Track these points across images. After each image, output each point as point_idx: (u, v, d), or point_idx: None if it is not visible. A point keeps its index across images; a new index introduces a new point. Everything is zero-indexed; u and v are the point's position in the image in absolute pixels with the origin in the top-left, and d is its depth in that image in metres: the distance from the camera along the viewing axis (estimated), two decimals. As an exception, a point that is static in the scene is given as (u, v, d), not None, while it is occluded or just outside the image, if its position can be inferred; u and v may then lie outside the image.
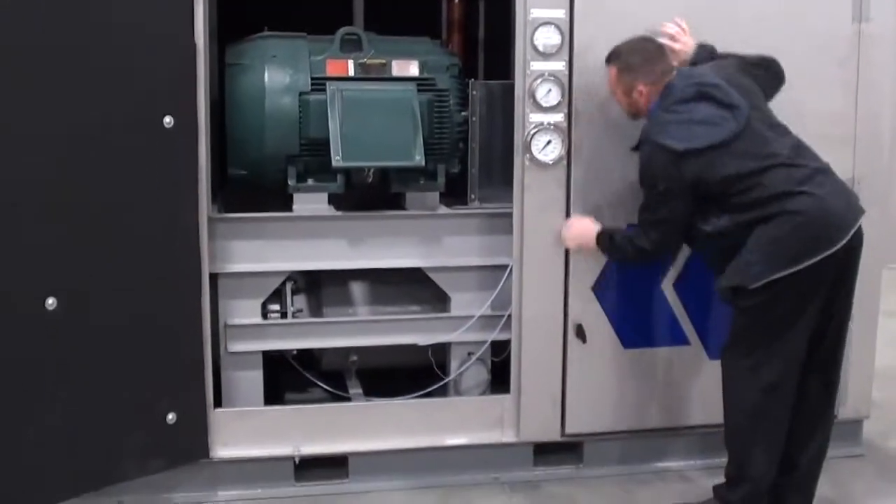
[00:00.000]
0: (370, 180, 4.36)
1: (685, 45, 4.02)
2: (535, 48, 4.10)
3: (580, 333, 4.24)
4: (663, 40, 3.97)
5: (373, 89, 4.32)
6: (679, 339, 4.43)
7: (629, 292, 4.36)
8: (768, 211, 3.61)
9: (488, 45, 5.38)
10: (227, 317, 4.29)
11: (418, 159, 4.23)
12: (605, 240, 4.01)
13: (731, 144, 3.66)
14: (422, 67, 4.45)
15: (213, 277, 4.19)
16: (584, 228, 4.09)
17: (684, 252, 4.23)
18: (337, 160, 4.17)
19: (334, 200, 4.43)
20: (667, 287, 4.37)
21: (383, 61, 4.42)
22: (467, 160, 4.57)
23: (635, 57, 3.86)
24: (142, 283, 3.87)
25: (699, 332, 4.43)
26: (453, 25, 5.25)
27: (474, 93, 4.56)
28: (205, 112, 3.96)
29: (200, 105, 3.93)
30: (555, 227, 4.19)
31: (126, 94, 3.74)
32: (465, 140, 4.56)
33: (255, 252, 4.26)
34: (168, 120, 3.84)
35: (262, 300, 4.34)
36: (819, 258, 3.58)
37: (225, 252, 4.22)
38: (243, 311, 4.31)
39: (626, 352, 4.38)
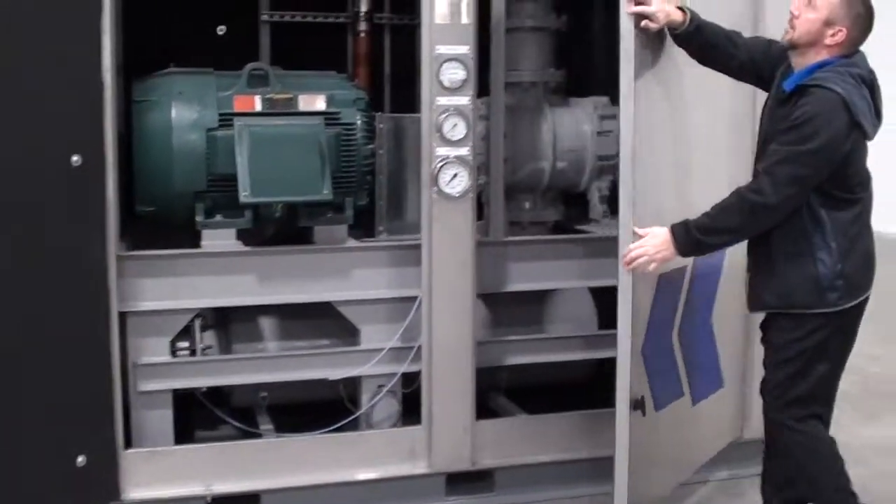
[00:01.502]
0: (278, 215, 4.38)
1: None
2: (440, 83, 4.17)
3: (639, 406, 3.89)
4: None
5: (280, 124, 4.34)
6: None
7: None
8: (863, 223, 3.65)
9: (395, 79, 5.44)
10: (137, 355, 4.24)
11: (326, 193, 4.26)
12: (684, 229, 3.64)
13: (866, 146, 3.62)
14: (329, 102, 4.48)
15: (122, 316, 4.15)
16: (654, 235, 3.71)
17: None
18: (245, 196, 4.18)
19: (243, 236, 4.42)
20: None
21: (290, 96, 4.44)
22: (375, 193, 4.62)
23: (865, 11, 3.62)
24: (49, 323, 3.83)
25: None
26: (359, 59, 5.29)
27: (381, 126, 4.62)
28: (113, 150, 3.94)
29: (108, 143, 3.91)
30: (463, 258, 4.25)
31: (33, 132, 3.73)
32: (372, 173, 4.60)
33: (164, 289, 4.23)
34: (76, 158, 3.82)
35: (171, 338, 4.31)
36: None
37: (133, 290, 4.18)
38: (152, 350, 4.27)
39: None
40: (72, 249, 3.87)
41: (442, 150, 4.20)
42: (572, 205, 5.16)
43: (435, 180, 4.20)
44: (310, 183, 4.26)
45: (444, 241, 4.25)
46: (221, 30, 5.27)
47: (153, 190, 4.35)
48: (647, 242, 3.68)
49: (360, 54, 5.27)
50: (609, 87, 5.55)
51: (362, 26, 5.26)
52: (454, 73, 4.18)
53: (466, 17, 4.17)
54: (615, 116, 4.84)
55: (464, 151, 4.22)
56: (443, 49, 4.17)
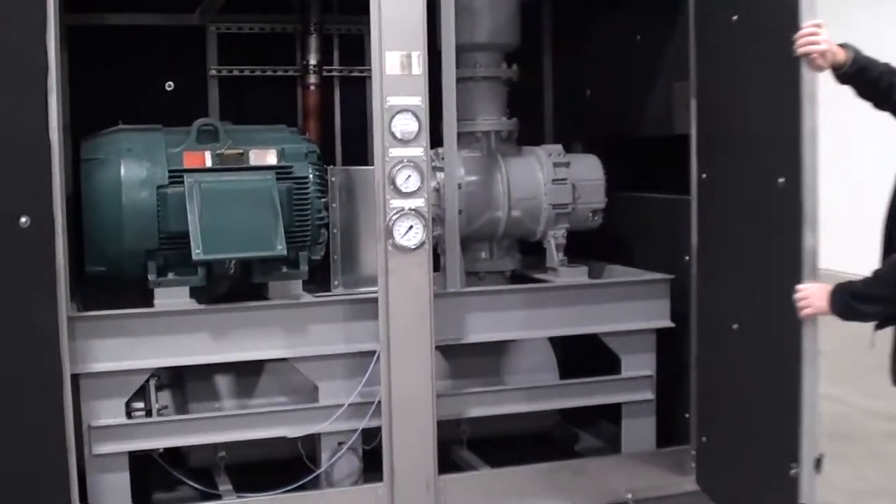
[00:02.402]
0: (232, 272, 4.32)
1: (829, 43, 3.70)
2: (393, 135, 4.14)
3: (819, 464, 3.80)
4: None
5: (231, 180, 4.30)
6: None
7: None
8: None
9: (346, 132, 5.42)
10: (91, 418, 4.15)
11: (280, 248, 4.21)
12: (840, 291, 3.58)
13: None
14: (280, 156, 4.45)
15: (75, 378, 4.06)
16: (816, 288, 3.69)
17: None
18: (197, 253, 4.12)
19: (196, 293, 4.36)
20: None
21: (241, 151, 4.40)
22: (330, 247, 4.57)
23: None
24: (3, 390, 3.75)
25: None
26: (309, 112, 5.29)
27: (333, 179, 4.59)
28: (62, 210, 3.86)
29: (56, 203, 3.82)
30: (420, 310, 4.21)
31: None
32: (327, 226, 4.57)
33: (117, 350, 4.14)
34: (24, 220, 3.73)
35: (125, 399, 4.21)
36: None
37: (85, 351, 4.09)
38: (107, 412, 4.18)
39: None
40: (21, 312, 3.77)
41: (396, 202, 4.16)
42: (529, 253, 5.14)
43: (390, 233, 4.16)
44: (263, 239, 4.21)
45: (401, 294, 4.20)
46: (170, 85, 5.26)
47: (103, 249, 4.29)
48: (809, 292, 3.68)
49: (309, 107, 5.28)
50: (560, 134, 5.67)
51: (312, 79, 5.28)
52: (406, 125, 4.15)
53: (418, 67, 4.15)
54: (568, 164, 4.90)
55: (418, 203, 4.19)
56: (394, 100, 4.14)
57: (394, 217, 4.16)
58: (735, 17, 4.08)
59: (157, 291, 4.31)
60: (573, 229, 4.98)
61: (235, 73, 5.30)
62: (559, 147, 4.98)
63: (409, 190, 4.17)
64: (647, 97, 5.04)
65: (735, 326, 4.13)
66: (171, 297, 4.31)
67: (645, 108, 5.08)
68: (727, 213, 4.23)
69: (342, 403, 4.35)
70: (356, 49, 5.26)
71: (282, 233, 4.23)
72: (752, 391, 4.06)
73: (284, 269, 4.45)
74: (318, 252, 4.56)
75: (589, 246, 5.16)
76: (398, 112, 4.15)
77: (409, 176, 4.17)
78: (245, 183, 4.31)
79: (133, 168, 4.28)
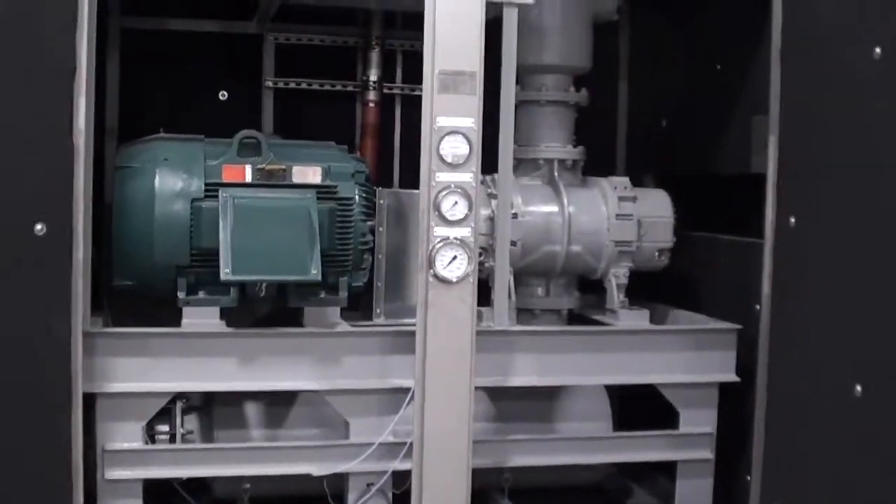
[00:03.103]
0: (263, 294, 4.07)
1: None
2: (441, 158, 3.85)
3: None
4: None
5: (267, 197, 4.05)
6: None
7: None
8: None
9: (405, 153, 5.17)
10: (106, 440, 3.93)
11: (314, 273, 3.94)
12: None
13: None
14: (324, 174, 4.18)
15: (91, 397, 3.86)
16: None
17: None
18: (226, 273, 3.88)
19: (233, 315, 4.12)
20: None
21: (283, 167, 4.14)
22: (374, 273, 4.32)
23: None
24: (5, 404, 3.55)
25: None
26: (367, 130, 5.07)
27: (381, 201, 4.34)
28: (83, 218, 3.65)
29: (78, 211, 3.62)
30: (460, 348, 3.89)
31: None
32: (371, 251, 4.30)
33: (137, 370, 3.93)
34: (40, 227, 3.53)
35: (143, 422, 3.99)
36: None
37: (104, 369, 3.89)
38: (123, 435, 3.96)
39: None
40: (34, 324, 3.57)
41: (440, 231, 3.86)
42: (590, 291, 4.81)
43: (432, 263, 3.87)
44: (296, 261, 3.95)
45: (440, 329, 3.89)
46: (224, 95, 5.09)
47: (132, 263, 4.06)
48: None
49: (367, 124, 5.07)
50: (632, 166, 5.35)
51: (371, 95, 5.06)
52: (456, 148, 3.85)
53: (473, 86, 3.86)
54: (635, 199, 4.58)
55: (464, 232, 3.88)
56: (444, 121, 3.85)
57: (437, 246, 3.87)
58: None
59: (186, 310, 4.07)
60: (637, 268, 4.63)
61: (292, 85, 5.09)
62: (626, 180, 4.65)
63: (455, 218, 3.87)
64: (724, 131, 4.69)
65: (834, 388, 3.70)
66: (201, 316, 4.07)
67: (720, 143, 4.73)
68: (820, 260, 3.84)
69: (373, 442, 4.07)
70: (420, 66, 5.02)
71: (318, 256, 3.97)
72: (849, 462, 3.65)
73: (323, 295, 4.18)
74: (360, 278, 4.29)
75: (653, 286, 4.80)
76: (447, 133, 3.85)
77: (456, 203, 3.86)
78: (282, 201, 4.05)
79: (168, 179, 4.05)
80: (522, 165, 4.64)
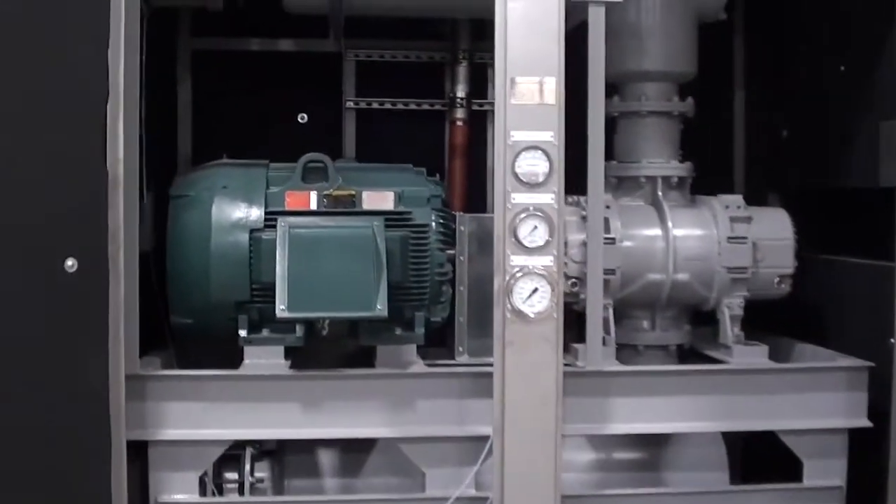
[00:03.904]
0: (325, 332, 3.71)
1: None
2: (516, 177, 3.43)
3: None
4: None
5: (329, 226, 3.72)
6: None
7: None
8: None
9: (497, 174, 4.77)
10: (159, 493, 3.65)
11: (380, 309, 3.56)
12: None
13: None
14: (397, 199, 3.83)
15: (142, 445, 3.59)
16: None
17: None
18: (281, 310, 3.54)
19: (296, 355, 3.79)
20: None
21: (352, 192, 3.80)
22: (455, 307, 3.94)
23: None
24: (44, 453, 3.32)
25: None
26: (456, 150, 4.69)
27: (462, 228, 3.96)
28: (124, 254, 3.36)
29: (117, 246, 3.33)
30: (543, 393, 3.45)
31: (17, 231, 3.24)
32: (452, 283, 3.93)
33: (193, 416, 3.65)
34: (70, 263, 3.26)
35: (200, 472, 3.70)
36: None
37: (157, 415, 3.61)
38: (178, 486, 3.67)
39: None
40: (65, 369, 3.30)
41: (518, 260, 3.43)
42: (703, 323, 4.30)
43: (508, 295, 3.44)
44: (360, 295, 3.58)
45: (520, 371, 3.45)
46: (303, 117, 4.79)
47: (189, 299, 3.79)
48: None
49: (456, 144, 4.70)
50: (752, 183, 4.83)
51: (459, 113, 4.68)
52: (533, 165, 3.42)
53: (551, 96, 3.44)
54: (749, 220, 4.07)
55: (546, 261, 3.44)
56: (519, 135, 3.42)
57: (515, 276, 3.44)
58: None
59: (247, 350, 3.75)
60: (754, 298, 4.11)
61: (374, 105, 4.77)
62: (738, 198, 4.13)
63: (534, 245, 3.43)
64: (850, 140, 4.16)
65: None
66: (264, 357, 3.75)
67: (846, 153, 4.19)
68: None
69: (449, 496, 3.67)
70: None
71: (384, 289, 3.59)
72: None
73: (398, 332, 3.81)
74: (438, 313, 3.91)
75: (773, 318, 4.27)
76: (524, 149, 3.42)
77: (536, 227, 3.43)
78: (346, 230, 3.70)
79: (226, 208, 3.77)
80: (624, 184, 4.20)
